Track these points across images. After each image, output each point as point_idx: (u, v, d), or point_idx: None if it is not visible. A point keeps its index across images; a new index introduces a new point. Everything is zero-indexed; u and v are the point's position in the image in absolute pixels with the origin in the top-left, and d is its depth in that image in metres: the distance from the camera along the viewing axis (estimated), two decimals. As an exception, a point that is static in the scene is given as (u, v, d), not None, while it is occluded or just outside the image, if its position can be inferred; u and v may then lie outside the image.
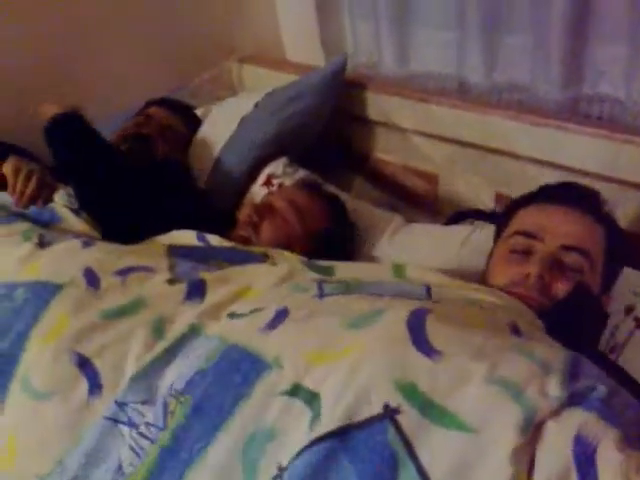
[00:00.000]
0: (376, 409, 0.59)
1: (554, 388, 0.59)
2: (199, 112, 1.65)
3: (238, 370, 0.68)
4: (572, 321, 0.81)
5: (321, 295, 0.79)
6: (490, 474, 0.54)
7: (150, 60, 1.68)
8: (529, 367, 0.62)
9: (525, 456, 0.55)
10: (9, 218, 1.06)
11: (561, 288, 0.87)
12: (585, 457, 0.54)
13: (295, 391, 0.64)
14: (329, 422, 0.60)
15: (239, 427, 0.64)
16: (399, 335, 0.66)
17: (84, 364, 0.76)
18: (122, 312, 0.81)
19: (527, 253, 0.91)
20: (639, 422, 0.58)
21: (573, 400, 0.59)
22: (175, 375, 0.73)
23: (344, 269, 0.95)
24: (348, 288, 0.80)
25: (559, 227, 0.91)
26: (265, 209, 1.20)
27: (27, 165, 1.18)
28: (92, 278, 0.87)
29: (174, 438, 0.66)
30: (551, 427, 0.57)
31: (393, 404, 0.59)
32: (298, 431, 0.61)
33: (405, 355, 0.63)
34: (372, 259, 1.27)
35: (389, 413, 0.59)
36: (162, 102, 1.58)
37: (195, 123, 1.59)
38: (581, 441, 0.55)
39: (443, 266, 1.09)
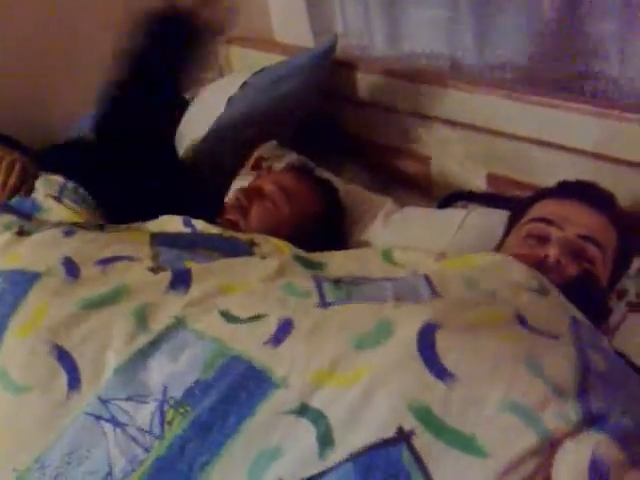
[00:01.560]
0: (390, 432, 0.60)
1: (567, 413, 0.60)
2: (187, 95, 1.62)
3: (243, 387, 0.67)
4: (576, 305, 0.81)
5: (324, 304, 0.77)
6: None
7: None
8: (542, 391, 0.62)
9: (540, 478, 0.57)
10: (-10, 210, 1.04)
11: (573, 274, 0.89)
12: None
13: (302, 411, 0.64)
14: (344, 450, 0.60)
15: (244, 446, 0.64)
16: (410, 358, 0.66)
17: (63, 357, 0.73)
18: (103, 301, 0.79)
19: (543, 239, 0.92)
20: None
21: (586, 423, 0.60)
22: (164, 375, 0.71)
23: (335, 264, 0.93)
24: (349, 295, 0.79)
25: (578, 218, 0.93)
26: (254, 193, 1.17)
27: (9, 155, 1.15)
28: (71, 267, 0.84)
29: (171, 449, 0.65)
30: (566, 448, 0.59)
31: (407, 427, 0.60)
32: (303, 448, 0.61)
33: (418, 379, 0.64)
34: (364, 243, 1.25)
35: (403, 436, 0.59)
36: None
37: (183, 106, 1.56)
38: (596, 463, 0.56)
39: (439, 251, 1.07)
